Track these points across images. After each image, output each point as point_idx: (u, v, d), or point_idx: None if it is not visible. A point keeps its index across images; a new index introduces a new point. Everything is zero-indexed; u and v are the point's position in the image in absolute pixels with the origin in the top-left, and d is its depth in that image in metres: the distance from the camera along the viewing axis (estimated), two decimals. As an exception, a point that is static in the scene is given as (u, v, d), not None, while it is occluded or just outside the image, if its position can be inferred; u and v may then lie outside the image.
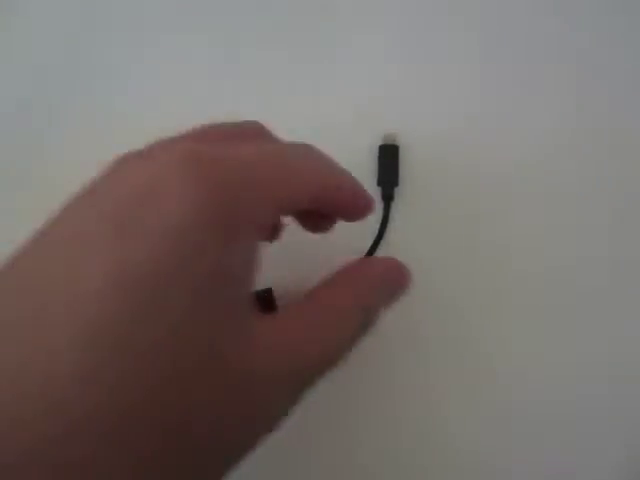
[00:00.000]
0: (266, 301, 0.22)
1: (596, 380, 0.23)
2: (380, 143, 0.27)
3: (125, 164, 0.15)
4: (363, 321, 0.16)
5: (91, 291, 0.12)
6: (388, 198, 0.26)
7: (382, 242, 0.25)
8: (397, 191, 0.27)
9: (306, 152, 0.17)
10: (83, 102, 0.30)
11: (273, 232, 0.20)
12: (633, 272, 0.25)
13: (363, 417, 0.23)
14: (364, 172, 0.27)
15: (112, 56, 0.31)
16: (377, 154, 0.27)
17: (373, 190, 0.26)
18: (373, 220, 0.26)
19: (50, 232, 0.14)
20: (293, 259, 0.25)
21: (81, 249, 0.12)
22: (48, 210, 0.14)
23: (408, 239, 0.26)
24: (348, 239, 0.23)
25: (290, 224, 0.21)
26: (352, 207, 0.19)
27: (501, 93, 0.28)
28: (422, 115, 0.28)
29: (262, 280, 0.20)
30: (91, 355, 0.11)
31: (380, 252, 0.25)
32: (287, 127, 0.27)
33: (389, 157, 0.27)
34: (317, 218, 0.20)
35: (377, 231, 0.26)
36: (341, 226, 0.20)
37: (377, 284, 0.17)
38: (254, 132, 0.17)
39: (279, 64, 0.30)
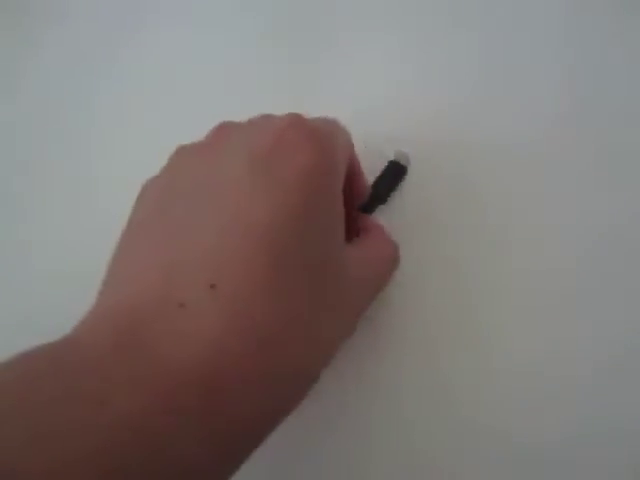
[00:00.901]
0: None
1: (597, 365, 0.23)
2: (391, 158, 0.26)
3: (240, 128, 0.20)
4: (398, 253, 0.24)
5: (262, 223, 0.17)
6: (369, 210, 0.26)
7: None
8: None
9: (341, 126, 0.23)
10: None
11: None
12: (632, 267, 0.24)
13: (372, 417, 0.24)
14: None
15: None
16: (384, 166, 0.26)
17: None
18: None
19: (212, 177, 0.19)
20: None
21: (240, 193, 0.17)
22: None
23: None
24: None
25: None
26: (361, 183, 0.25)
27: (492, 93, 0.28)
28: (421, 120, 0.28)
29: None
30: (273, 260, 0.17)
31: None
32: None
33: (392, 175, 0.26)
34: None
35: None
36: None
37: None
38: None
39: (278, 64, 0.30)
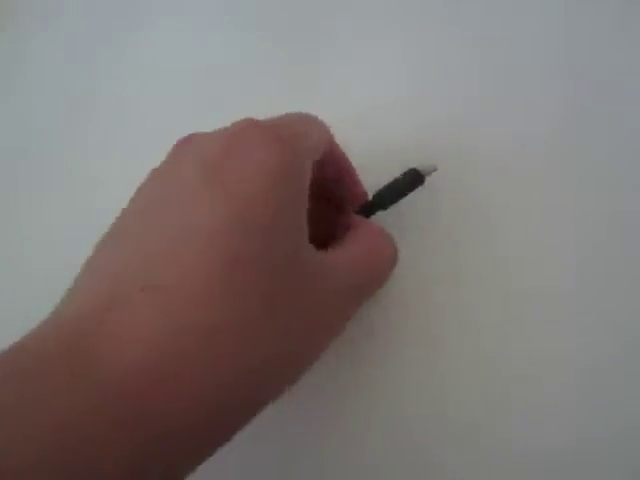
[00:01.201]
0: None
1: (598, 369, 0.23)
2: (414, 166, 0.24)
3: (195, 138, 0.20)
4: (394, 248, 0.22)
5: (220, 229, 0.17)
6: (367, 212, 0.24)
7: None
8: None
9: (315, 121, 0.22)
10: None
11: None
12: (632, 269, 0.24)
13: (372, 415, 0.24)
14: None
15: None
16: (402, 172, 0.24)
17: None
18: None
19: (164, 186, 0.19)
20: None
21: (191, 200, 0.17)
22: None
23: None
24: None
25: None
26: (354, 185, 0.24)
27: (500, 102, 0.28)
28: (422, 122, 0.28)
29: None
30: (228, 268, 0.16)
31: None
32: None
33: (408, 183, 0.24)
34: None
35: None
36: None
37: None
38: None
39: (278, 64, 0.30)
